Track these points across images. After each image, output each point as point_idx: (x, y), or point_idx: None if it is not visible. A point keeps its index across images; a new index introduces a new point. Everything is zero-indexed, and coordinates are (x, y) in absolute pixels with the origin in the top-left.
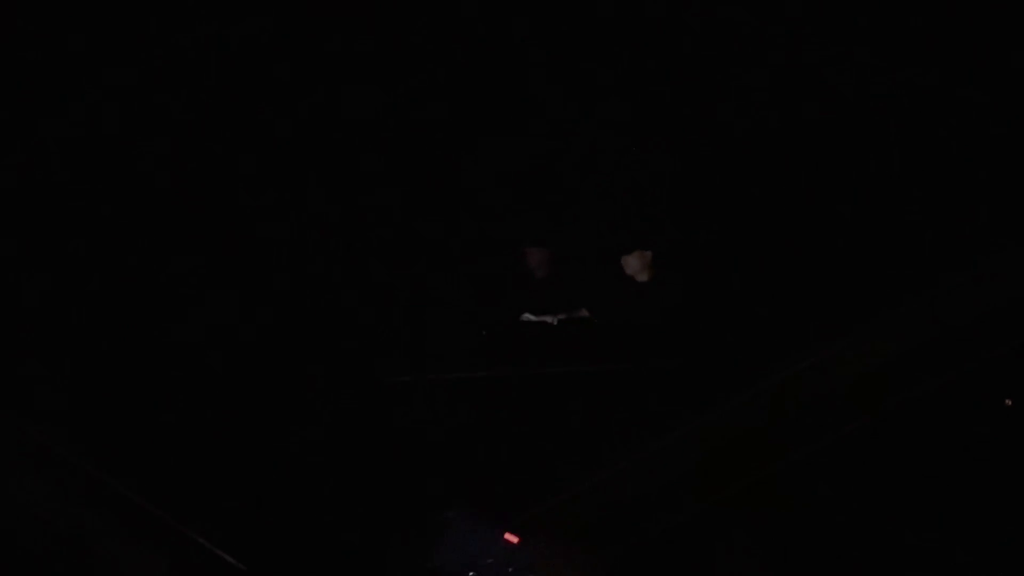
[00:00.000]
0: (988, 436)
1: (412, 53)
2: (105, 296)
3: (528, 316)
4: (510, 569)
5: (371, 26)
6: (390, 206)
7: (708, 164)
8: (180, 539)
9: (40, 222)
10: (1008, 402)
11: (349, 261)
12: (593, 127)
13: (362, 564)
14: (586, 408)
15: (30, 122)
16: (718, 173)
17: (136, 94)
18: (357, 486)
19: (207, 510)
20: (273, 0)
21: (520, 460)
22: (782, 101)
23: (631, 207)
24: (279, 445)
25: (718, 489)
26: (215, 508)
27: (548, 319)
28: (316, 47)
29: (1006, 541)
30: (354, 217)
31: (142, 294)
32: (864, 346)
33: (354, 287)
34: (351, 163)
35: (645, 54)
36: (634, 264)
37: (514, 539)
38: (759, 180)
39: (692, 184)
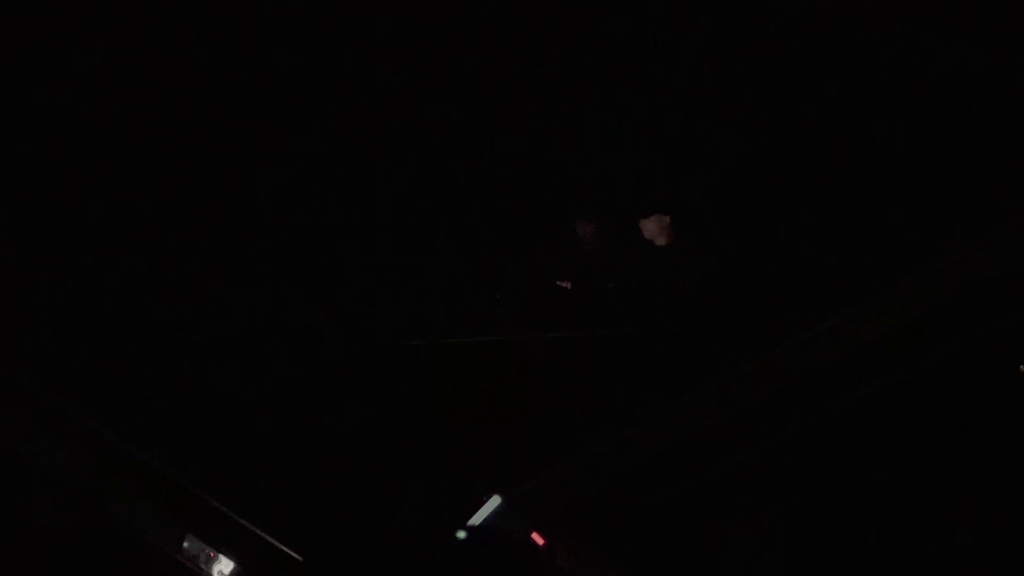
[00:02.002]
0: (1004, 402)
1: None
2: (127, 267)
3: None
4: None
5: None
6: (406, 173)
7: (726, 127)
8: (198, 505)
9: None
10: (1023, 368)
11: (362, 228)
12: (611, 93)
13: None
14: (600, 371)
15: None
16: (736, 136)
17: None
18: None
19: (221, 476)
20: None
21: (533, 422)
22: (800, 71)
23: (649, 171)
24: (293, 413)
25: (728, 456)
26: (229, 474)
27: (564, 283)
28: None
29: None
30: (368, 183)
31: (168, 267)
32: (880, 312)
33: (368, 254)
34: (368, 133)
35: (663, 22)
36: (652, 228)
37: (540, 540)
38: (778, 145)
39: (710, 149)
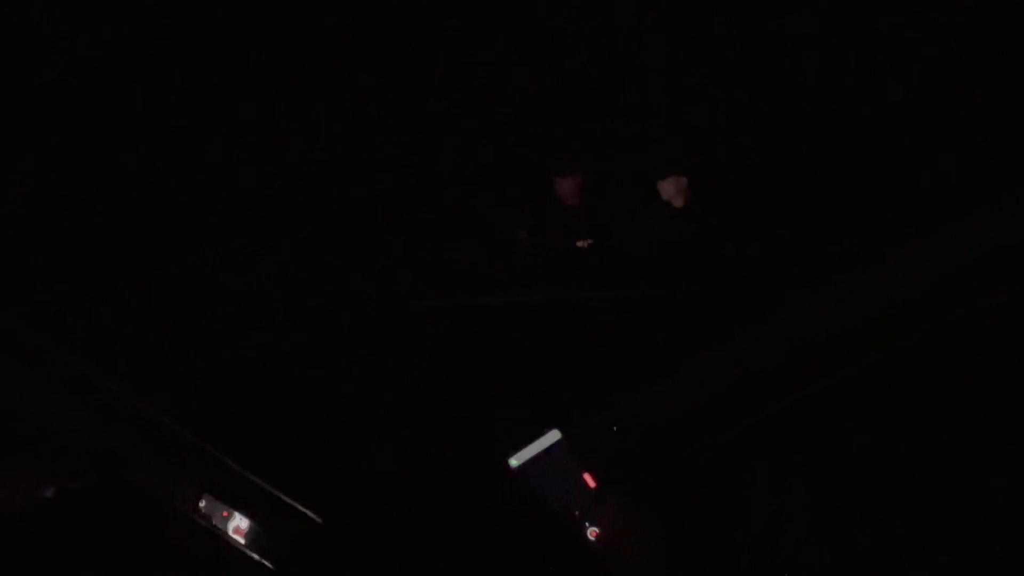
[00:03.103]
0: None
1: None
2: (142, 230)
3: (561, 241)
4: (577, 512)
5: None
6: (416, 131)
7: (746, 88)
8: (213, 464)
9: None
10: None
11: (372, 184)
12: (630, 50)
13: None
14: (616, 334)
15: None
16: (756, 97)
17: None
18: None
19: (238, 436)
20: None
21: (546, 386)
22: (821, 33)
23: (667, 131)
24: (312, 373)
25: (743, 418)
26: (246, 434)
27: (580, 244)
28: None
29: None
30: (378, 140)
31: (181, 230)
32: (898, 274)
33: (379, 211)
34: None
35: None
36: (669, 190)
37: (592, 482)
38: (798, 106)
39: (729, 107)
